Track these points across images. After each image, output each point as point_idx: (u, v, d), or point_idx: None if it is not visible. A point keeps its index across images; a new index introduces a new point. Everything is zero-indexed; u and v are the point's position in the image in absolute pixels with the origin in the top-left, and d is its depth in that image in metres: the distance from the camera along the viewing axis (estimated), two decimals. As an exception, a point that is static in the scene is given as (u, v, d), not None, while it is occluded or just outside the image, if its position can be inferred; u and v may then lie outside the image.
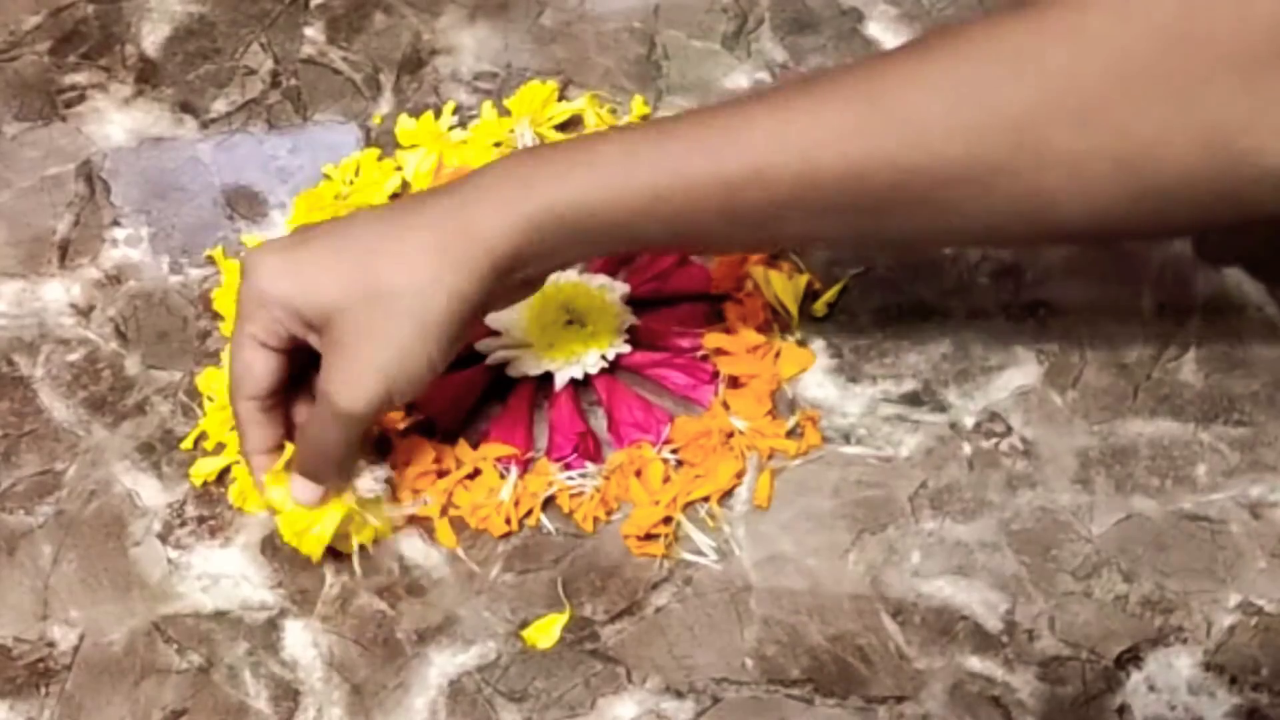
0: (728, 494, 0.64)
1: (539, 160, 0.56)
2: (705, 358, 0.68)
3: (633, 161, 0.55)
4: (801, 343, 0.68)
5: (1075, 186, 0.51)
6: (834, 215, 0.54)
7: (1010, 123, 0.51)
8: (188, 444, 0.66)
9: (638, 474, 0.64)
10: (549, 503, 0.64)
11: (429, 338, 0.56)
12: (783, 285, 0.69)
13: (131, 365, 0.69)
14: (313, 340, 0.58)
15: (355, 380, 0.57)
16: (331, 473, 0.60)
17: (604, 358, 0.67)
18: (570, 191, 0.55)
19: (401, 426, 0.65)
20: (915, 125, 0.52)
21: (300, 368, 0.60)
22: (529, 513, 0.64)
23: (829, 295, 0.69)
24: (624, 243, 0.59)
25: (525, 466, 0.65)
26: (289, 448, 0.60)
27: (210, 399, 0.67)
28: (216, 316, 0.70)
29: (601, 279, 0.68)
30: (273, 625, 0.62)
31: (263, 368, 0.59)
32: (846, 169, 0.53)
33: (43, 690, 0.61)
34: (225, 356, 0.68)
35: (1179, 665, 0.60)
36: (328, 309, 0.56)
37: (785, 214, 0.54)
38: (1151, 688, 0.59)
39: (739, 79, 0.77)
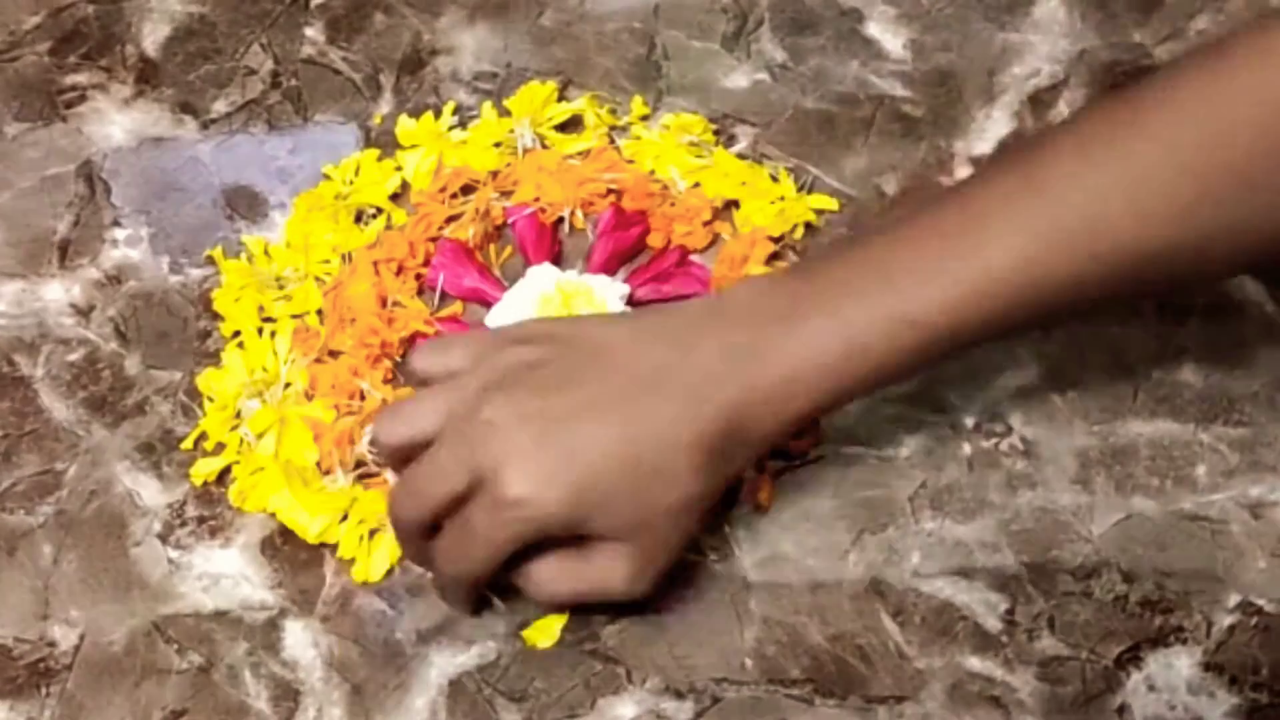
0: (728, 494, 0.64)
1: (810, 349, 0.56)
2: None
3: (903, 351, 0.56)
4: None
5: None
6: (1113, 291, 0.57)
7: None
8: (188, 444, 0.66)
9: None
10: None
11: (695, 524, 0.58)
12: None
13: (131, 365, 0.69)
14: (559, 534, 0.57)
15: (640, 574, 0.57)
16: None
17: (604, 358, 0.67)
18: (845, 379, 0.56)
19: (401, 426, 0.66)
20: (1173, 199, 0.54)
21: None
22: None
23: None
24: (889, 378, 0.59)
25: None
26: None
27: (210, 399, 0.67)
28: (216, 317, 0.70)
29: (601, 279, 0.68)
30: (273, 625, 0.62)
31: (500, 560, 0.58)
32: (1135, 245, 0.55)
33: (43, 690, 0.61)
34: (226, 358, 0.68)
35: (1179, 665, 0.60)
36: (610, 527, 0.56)
37: (1073, 303, 0.57)
38: (1151, 688, 0.59)
39: (739, 79, 0.77)
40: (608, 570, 0.57)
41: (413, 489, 0.58)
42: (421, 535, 0.59)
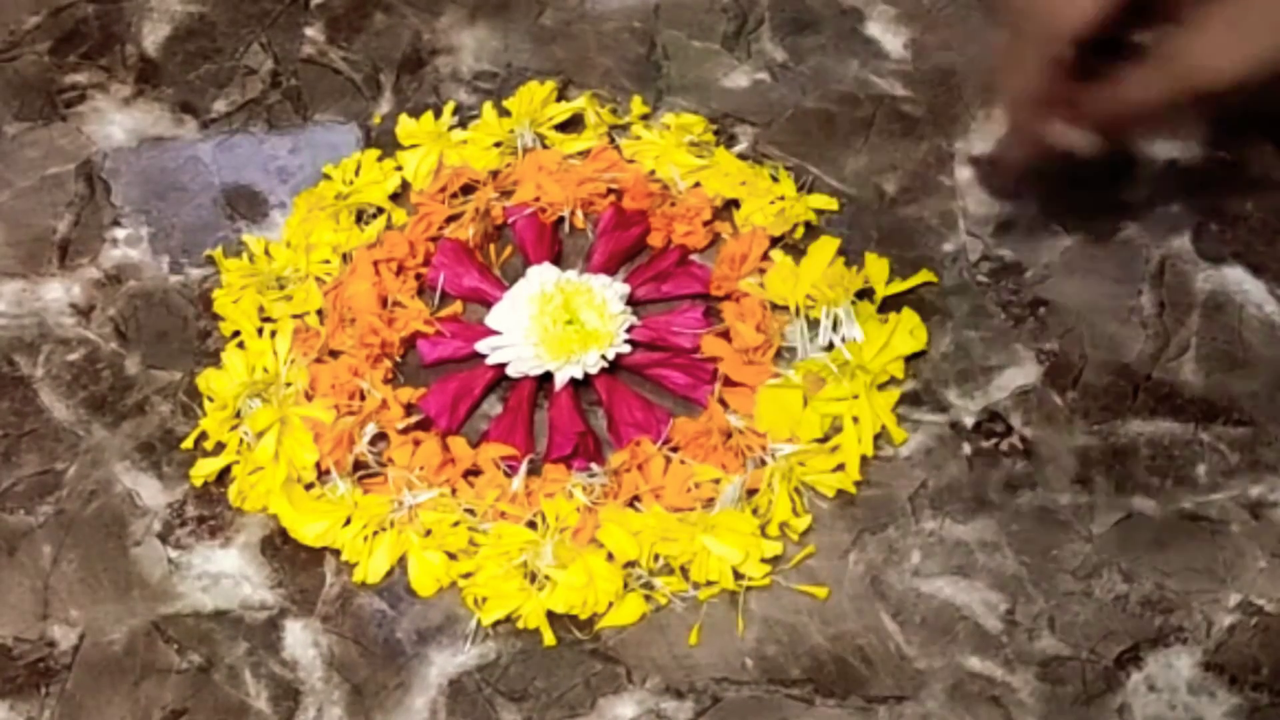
0: (728, 494, 0.64)
1: None
2: (706, 358, 0.68)
3: None
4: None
5: None
6: None
7: None
8: (188, 444, 0.66)
9: (639, 468, 0.64)
10: (549, 503, 0.64)
11: None
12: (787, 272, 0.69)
13: (131, 365, 0.69)
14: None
15: (1244, 46, 0.52)
16: (1120, 135, 0.59)
17: (604, 358, 0.67)
18: None
19: (400, 426, 0.66)
20: None
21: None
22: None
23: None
24: None
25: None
26: None
27: (210, 399, 0.67)
28: (216, 317, 0.70)
29: (602, 279, 0.69)
30: (273, 625, 0.62)
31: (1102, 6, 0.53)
32: None
33: (43, 690, 0.61)
34: (226, 358, 0.68)
35: (1179, 665, 0.60)
36: None
37: None
38: (1151, 688, 0.59)
39: (739, 79, 0.77)
40: (1206, 44, 0.51)
41: None
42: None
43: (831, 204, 0.72)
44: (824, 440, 0.65)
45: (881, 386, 0.66)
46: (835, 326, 0.67)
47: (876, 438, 0.65)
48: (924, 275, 0.69)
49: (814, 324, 0.67)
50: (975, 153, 0.73)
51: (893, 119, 0.76)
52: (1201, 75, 0.53)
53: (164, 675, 0.61)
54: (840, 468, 0.64)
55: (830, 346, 0.67)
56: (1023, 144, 0.58)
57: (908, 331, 0.67)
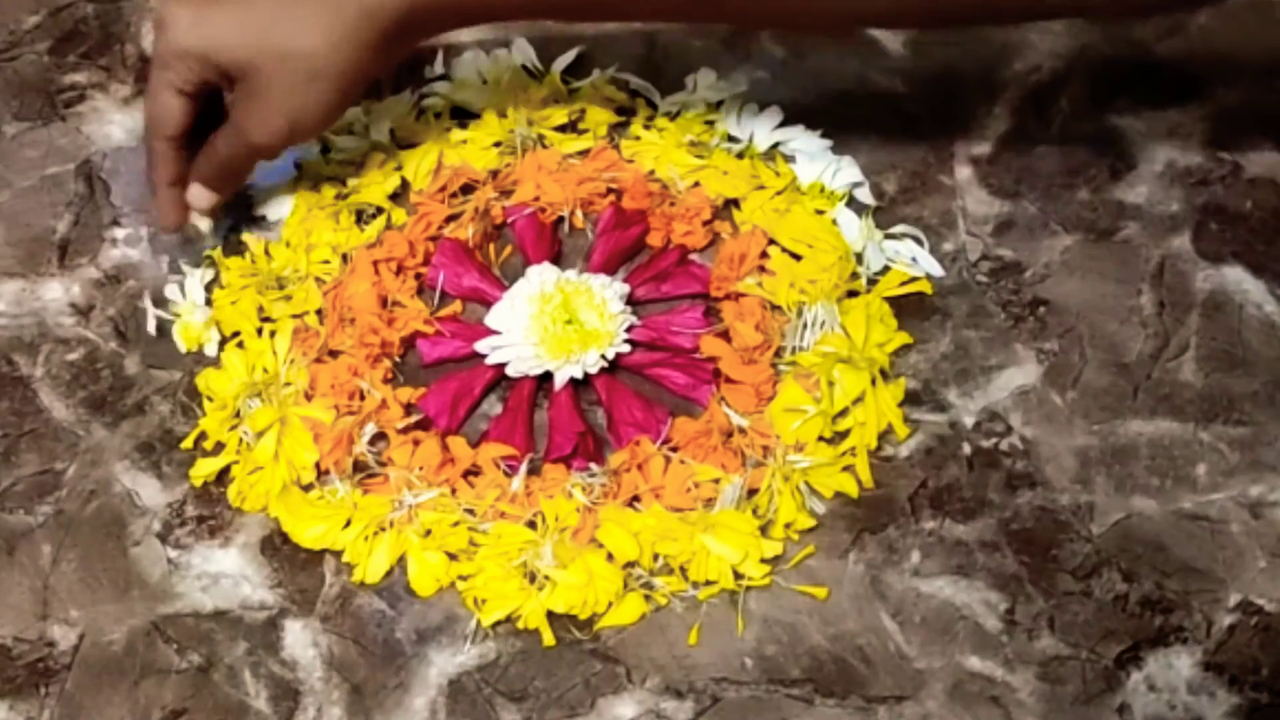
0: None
1: None
2: (705, 357, 0.68)
3: None
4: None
5: None
6: None
7: None
8: (187, 444, 0.66)
9: (639, 467, 0.64)
10: (549, 503, 0.64)
11: (328, 91, 0.65)
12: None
13: (131, 365, 0.69)
14: (223, 85, 0.67)
15: (267, 121, 0.66)
16: (229, 188, 0.71)
17: (604, 358, 0.67)
18: None
19: (400, 425, 0.66)
20: None
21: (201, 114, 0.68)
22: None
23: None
24: (495, 13, 0.68)
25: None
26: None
27: (210, 399, 0.67)
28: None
29: (601, 279, 0.68)
30: (272, 625, 0.62)
31: (178, 110, 0.67)
32: None
33: (43, 690, 0.61)
34: (226, 358, 0.68)
35: (1179, 665, 0.60)
36: (240, 63, 0.65)
37: None
38: (1151, 688, 0.59)
39: (739, 78, 0.77)
40: (245, 113, 0.66)
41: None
42: (173, 152, 0.69)
43: (831, 204, 0.72)
44: (831, 441, 0.65)
45: (875, 382, 0.66)
46: (820, 324, 0.67)
47: (880, 435, 0.65)
48: (921, 286, 0.69)
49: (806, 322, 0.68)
50: (975, 152, 0.73)
51: (892, 117, 0.76)
52: (249, 137, 0.67)
53: (164, 675, 0.61)
54: (849, 469, 0.64)
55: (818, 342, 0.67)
56: (170, 216, 0.71)
57: (879, 320, 0.67)
